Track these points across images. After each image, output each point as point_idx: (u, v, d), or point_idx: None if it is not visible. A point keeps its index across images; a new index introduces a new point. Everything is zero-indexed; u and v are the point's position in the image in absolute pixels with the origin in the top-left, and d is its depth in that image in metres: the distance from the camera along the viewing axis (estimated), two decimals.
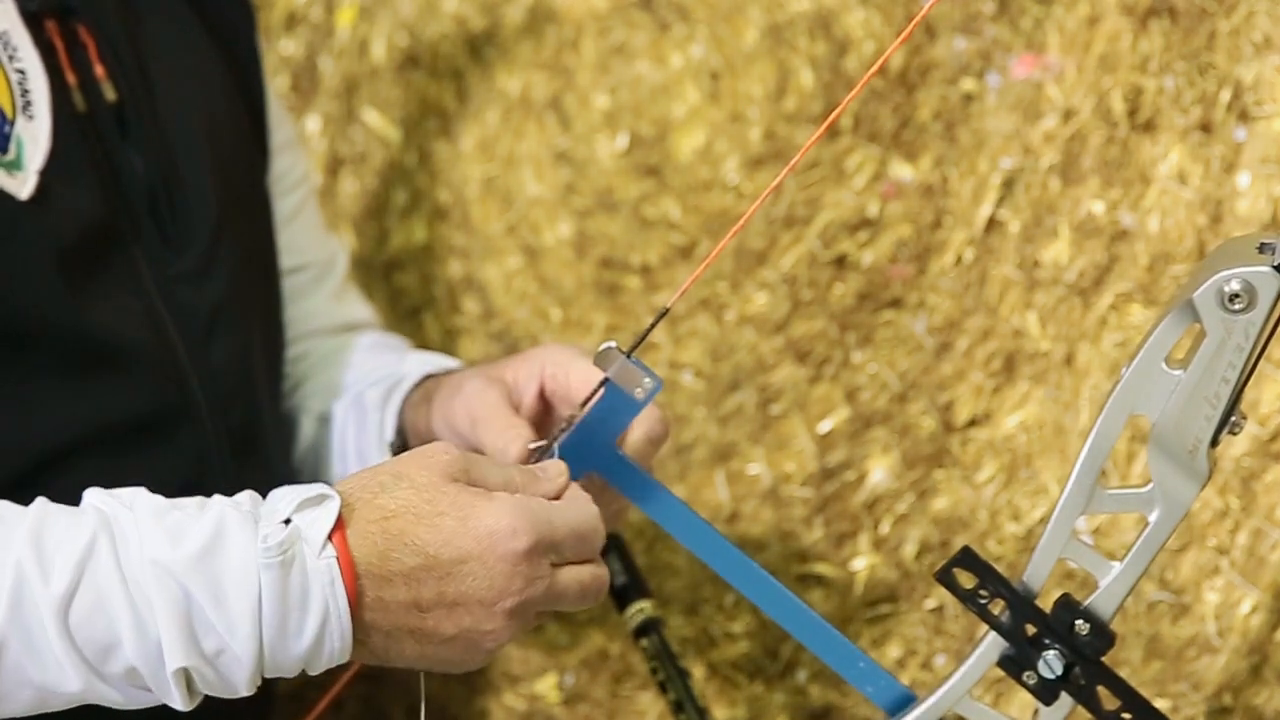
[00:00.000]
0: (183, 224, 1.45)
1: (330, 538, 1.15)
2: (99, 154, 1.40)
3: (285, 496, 1.18)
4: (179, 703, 1.17)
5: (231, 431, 1.45)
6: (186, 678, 1.16)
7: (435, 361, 1.58)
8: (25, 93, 1.36)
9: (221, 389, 1.44)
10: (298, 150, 1.68)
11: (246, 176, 1.57)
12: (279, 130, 1.63)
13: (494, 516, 1.18)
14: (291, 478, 1.63)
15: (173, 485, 1.21)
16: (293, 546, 1.15)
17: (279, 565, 1.14)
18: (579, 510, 1.23)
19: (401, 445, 1.55)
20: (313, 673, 1.20)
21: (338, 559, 1.15)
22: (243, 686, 1.17)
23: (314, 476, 1.63)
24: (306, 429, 1.62)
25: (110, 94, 1.43)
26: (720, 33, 1.73)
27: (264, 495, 1.20)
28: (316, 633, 1.16)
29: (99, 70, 1.42)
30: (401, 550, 1.17)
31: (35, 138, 1.36)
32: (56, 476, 1.30)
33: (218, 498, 1.19)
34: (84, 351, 1.35)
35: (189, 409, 1.42)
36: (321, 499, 1.17)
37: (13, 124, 1.34)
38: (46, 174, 1.34)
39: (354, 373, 1.62)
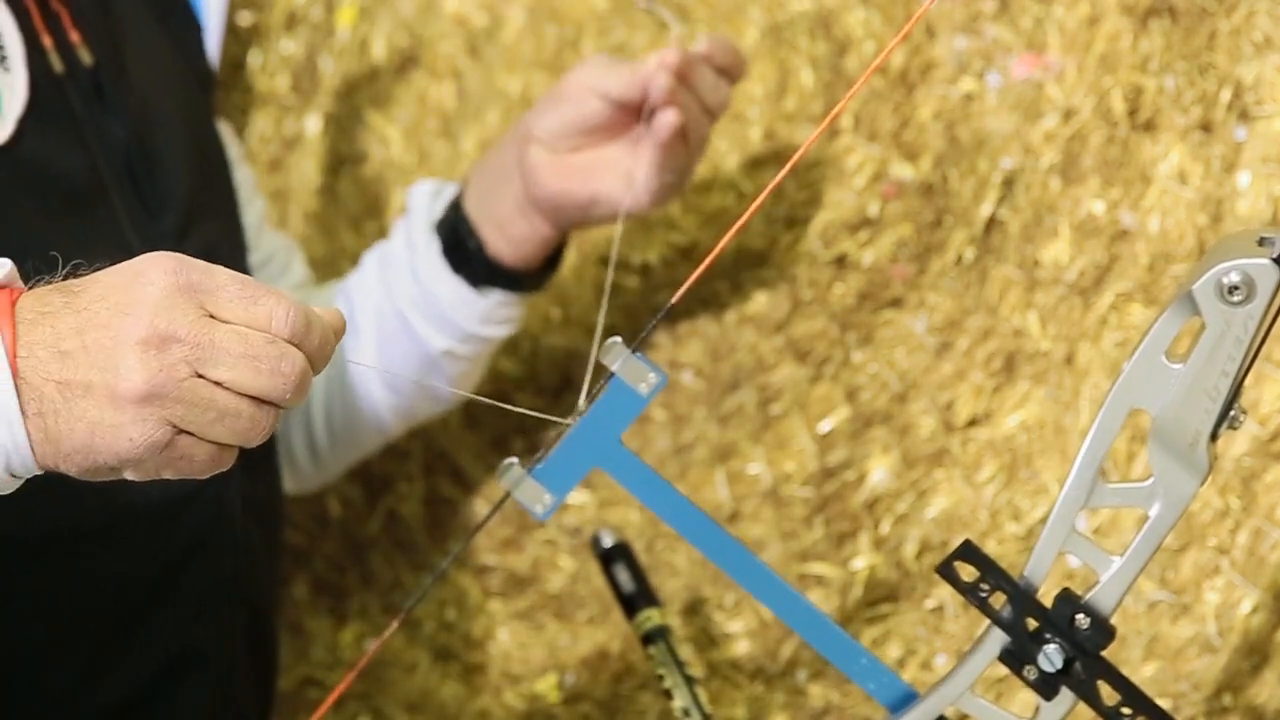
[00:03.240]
0: (160, 189, 1.47)
1: None
2: (78, 113, 1.41)
3: None
4: None
5: None
6: None
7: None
8: (0, 47, 1.37)
9: None
10: (248, 166, 1.71)
11: (215, 158, 1.59)
12: (229, 146, 1.66)
13: (143, 258, 1.11)
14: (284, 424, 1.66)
15: None
16: None
17: None
18: (267, 297, 1.11)
19: (455, 231, 1.61)
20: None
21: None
22: None
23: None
24: None
25: (87, 58, 1.44)
26: (720, 32, 1.73)
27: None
28: None
29: (74, 36, 1.44)
30: (55, 295, 1.10)
31: (13, 87, 1.38)
32: None
33: None
34: None
35: None
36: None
37: None
38: (25, 122, 1.36)
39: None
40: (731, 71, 1.56)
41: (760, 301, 1.70)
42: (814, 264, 1.68)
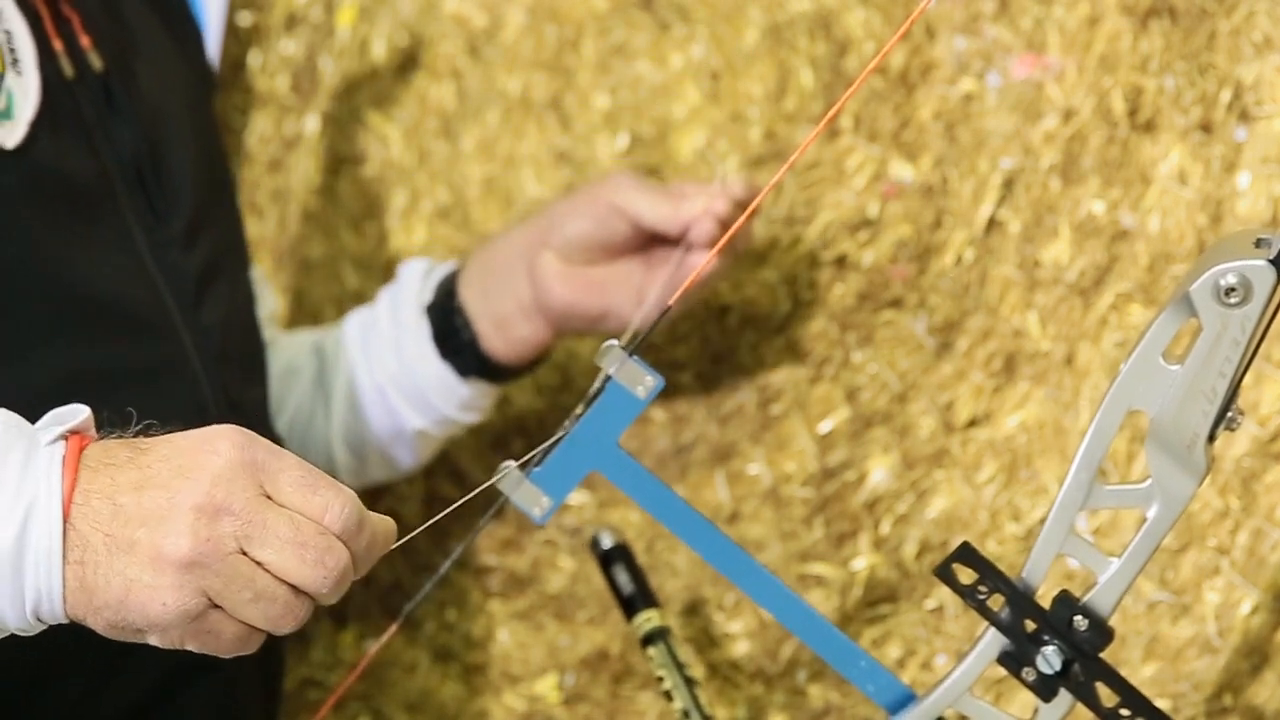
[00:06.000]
0: (168, 194, 1.47)
1: (67, 437, 1.11)
2: (88, 118, 1.42)
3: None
4: None
5: (228, 387, 1.46)
6: None
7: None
8: (12, 50, 1.38)
9: (215, 347, 1.46)
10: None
11: (220, 164, 1.60)
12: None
13: (214, 428, 1.12)
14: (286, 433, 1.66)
15: None
16: (29, 435, 1.10)
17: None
18: (322, 489, 1.11)
19: (449, 319, 1.61)
20: (17, 614, 1.10)
21: (64, 456, 1.10)
22: None
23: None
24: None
25: (97, 63, 1.45)
26: (720, 33, 1.73)
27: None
28: (21, 521, 1.08)
29: (85, 41, 1.44)
30: (123, 449, 1.11)
31: (25, 91, 1.38)
32: None
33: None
34: (77, 304, 1.36)
35: (185, 365, 1.43)
36: (76, 412, 1.12)
37: (2, 77, 1.36)
38: (36, 126, 1.36)
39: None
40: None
41: (760, 301, 1.70)
42: (814, 264, 1.68)
